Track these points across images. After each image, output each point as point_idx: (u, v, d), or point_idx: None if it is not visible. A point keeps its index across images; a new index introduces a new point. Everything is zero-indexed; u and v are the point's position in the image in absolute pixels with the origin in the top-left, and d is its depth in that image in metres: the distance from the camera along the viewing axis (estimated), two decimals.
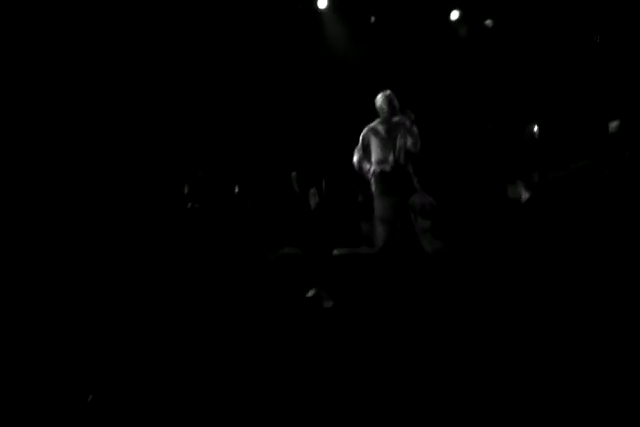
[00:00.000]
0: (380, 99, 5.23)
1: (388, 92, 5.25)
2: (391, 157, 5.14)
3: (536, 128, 6.07)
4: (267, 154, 7.98)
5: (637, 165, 5.13)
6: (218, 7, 7.76)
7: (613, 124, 6.19)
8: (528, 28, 7.98)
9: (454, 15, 8.29)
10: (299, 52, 8.23)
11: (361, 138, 5.26)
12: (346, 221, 7.27)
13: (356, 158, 5.29)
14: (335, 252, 4.46)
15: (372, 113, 6.85)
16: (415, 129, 5.14)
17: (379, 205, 5.16)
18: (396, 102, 5.20)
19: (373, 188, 5.24)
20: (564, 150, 6.19)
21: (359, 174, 5.41)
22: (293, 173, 7.80)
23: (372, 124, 5.29)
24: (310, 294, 2.96)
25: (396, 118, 5.21)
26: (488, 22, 8.32)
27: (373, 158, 5.21)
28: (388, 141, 5.17)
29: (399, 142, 5.13)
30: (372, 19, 8.32)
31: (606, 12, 7.48)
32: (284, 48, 8.15)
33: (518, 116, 6.59)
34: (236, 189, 7.33)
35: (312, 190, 7.56)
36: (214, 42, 7.90)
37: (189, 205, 6.92)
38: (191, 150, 7.39)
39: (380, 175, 5.18)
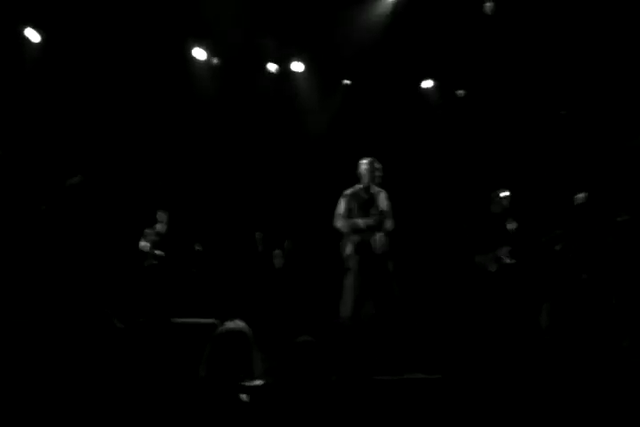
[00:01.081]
0: (364, 165, 5.13)
1: (372, 159, 5.17)
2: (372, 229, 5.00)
3: (506, 197, 6.02)
4: (232, 213, 7.83)
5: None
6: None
7: (580, 196, 6.20)
8: (498, 98, 8.16)
9: (426, 84, 8.47)
10: (268, 114, 8.26)
11: (344, 202, 5.08)
12: (311, 282, 7.08)
13: (340, 224, 5.05)
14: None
15: (338, 177, 6.82)
16: (389, 204, 5.09)
17: (351, 278, 4.96)
18: (378, 171, 5.14)
19: (350, 257, 5.02)
20: (534, 221, 6.17)
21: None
22: (258, 233, 7.63)
23: (352, 191, 5.14)
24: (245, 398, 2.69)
25: (375, 188, 5.15)
26: (460, 92, 8.49)
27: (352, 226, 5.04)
28: (368, 211, 5.06)
29: (379, 216, 5.05)
30: (346, 82, 8.43)
31: (572, 84, 7.72)
32: (256, 110, 8.18)
33: (487, 186, 6.59)
34: (197, 247, 7.08)
35: (276, 251, 7.40)
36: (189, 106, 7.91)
37: (146, 262, 6.62)
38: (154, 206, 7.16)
39: (360, 246, 5.01)
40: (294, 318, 5.71)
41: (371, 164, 5.11)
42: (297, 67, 8.21)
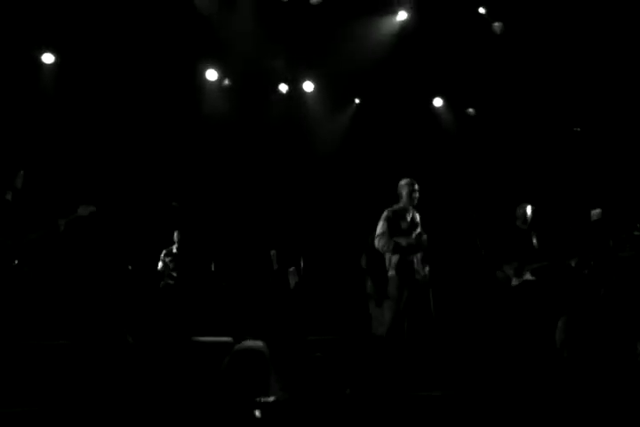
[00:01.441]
0: (406, 186, 5.14)
1: (412, 180, 5.19)
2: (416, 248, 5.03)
3: (530, 211, 5.99)
4: (246, 231, 7.85)
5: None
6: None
7: (595, 212, 6.18)
8: (510, 115, 8.19)
9: (437, 102, 8.53)
10: (279, 132, 8.34)
11: (387, 222, 5.02)
12: (326, 301, 7.07)
13: (383, 242, 4.97)
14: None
15: (350, 195, 6.85)
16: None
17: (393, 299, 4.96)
18: (416, 193, 5.16)
19: (394, 272, 5.00)
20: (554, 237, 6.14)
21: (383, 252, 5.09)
22: (273, 251, 7.65)
23: (394, 210, 5.12)
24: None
25: (412, 209, 5.17)
26: (470, 111, 8.54)
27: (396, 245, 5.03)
28: (411, 231, 5.07)
29: (420, 237, 5.06)
30: (356, 101, 8.51)
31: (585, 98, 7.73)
32: (268, 129, 8.27)
33: (506, 201, 6.59)
34: (213, 267, 7.11)
35: (291, 269, 7.40)
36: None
37: (162, 282, 6.67)
38: (168, 225, 7.22)
39: (406, 264, 5.00)
40: (309, 334, 5.69)
41: (412, 184, 5.13)
42: (307, 87, 8.29)
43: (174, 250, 7.09)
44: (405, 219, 5.06)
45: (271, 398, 2.66)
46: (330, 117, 8.57)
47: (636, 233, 5.43)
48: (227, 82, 8.07)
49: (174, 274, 6.79)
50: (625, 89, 7.29)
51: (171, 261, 6.99)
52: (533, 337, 4.77)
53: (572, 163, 7.78)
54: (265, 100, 8.32)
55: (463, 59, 7.82)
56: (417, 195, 5.13)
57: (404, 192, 5.12)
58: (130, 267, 6.00)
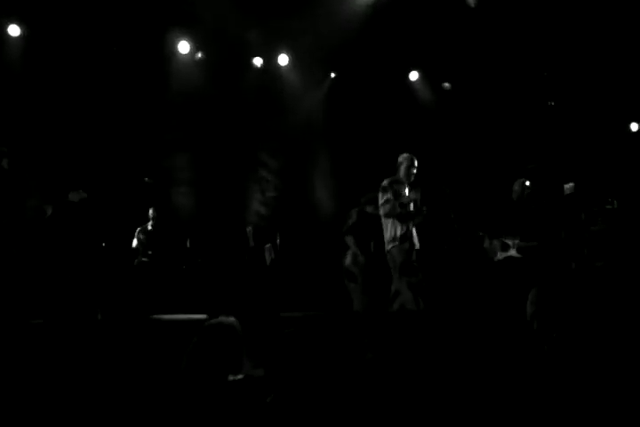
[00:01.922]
0: (408, 160, 5.22)
1: (411, 156, 5.26)
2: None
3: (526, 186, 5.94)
4: (222, 207, 7.78)
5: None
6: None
7: (569, 186, 6.23)
8: (486, 89, 8.15)
9: (413, 76, 8.44)
10: (254, 106, 8.21)
11: (390, 188, 5.10)
12: (302, 277, 7.07)
13: (389, 207, 5.05)
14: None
15: (327, 169, 6.76)
16: None
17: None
18: (414, 169, 5.23)
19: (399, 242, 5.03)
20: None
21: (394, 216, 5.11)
22: (249, 228, 7.61)
23: (394, 179, 5.20)
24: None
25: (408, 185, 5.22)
26: (446, 85, 8.48)
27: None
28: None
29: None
30: (332, 75, 8.39)
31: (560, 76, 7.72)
32: (242, 101, 8.13)
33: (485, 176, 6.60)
34: (188, 244, 7.05)
35: (267, 245, 7.38)
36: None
37: (137, 259, 6.59)
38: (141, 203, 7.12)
39: (408, 235, 5.08)
40: (284, 311, 5.70)
41: (411, 160, 5.18)
42: (282, 60, 8.13)
43: (149, 227, 7.00)
44: (404, 190, 5.15)
45: (240, 376, 2.64)
46: (306, 92, 8.44)
47: (607, 207, 5.49)
48: (200, 55, 7.88)
49: (149, 251, 6.71)
50: (596, 61, 7.29)
51: (146, 238, 6.92)
52: (507, 311, 4.83)
53: (546, 136, 7.81)
54: (239, 73, 8.14)
55: (439, 31, 7.73)
56: (414, 171, 5.18)
57: (403, 166, 5.18)
58: (103, 244, 5.92)
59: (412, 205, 5.16)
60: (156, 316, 4.55)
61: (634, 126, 7.72)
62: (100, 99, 7.44)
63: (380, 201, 5.09)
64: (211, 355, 2.71)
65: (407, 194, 5.15)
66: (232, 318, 2.97)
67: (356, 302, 5.74)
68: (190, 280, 6.57)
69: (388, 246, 5.06)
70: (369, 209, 5.71)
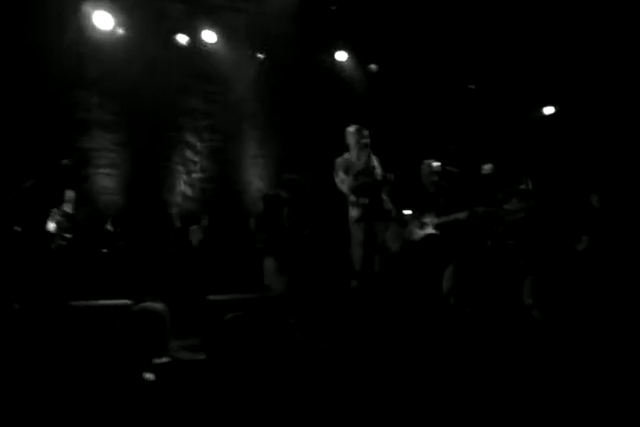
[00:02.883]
0: (357, 133, 5.16)
1: (358, 126, 5.20)
2: None
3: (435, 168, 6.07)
4: (146, 188, 7.59)
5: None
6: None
7: (487, 167, 6.46)
8: (411, 71, 8.29)
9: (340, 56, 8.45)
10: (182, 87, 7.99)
11: (341, 167, 5.09)
12: (231, 259, 7.03)
13: (347, 184, 5.03)
14: None
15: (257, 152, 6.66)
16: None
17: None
18: (365, 138, 5.17)
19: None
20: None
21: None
22: (174, 209, 7.48)
23: (345, 157, 5.17)
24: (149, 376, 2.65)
25: (364, 155, 5.17)
26: (372, 67, 8.56)
27: None
28: (370, 172, 5.16)
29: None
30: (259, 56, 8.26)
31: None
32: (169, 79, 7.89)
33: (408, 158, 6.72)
34: (109, 226, 6.83)
35: (194, 227, 7.27)
36: None
37: (54, 243, 6.33)
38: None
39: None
40: (214, 294, 5.66)
41: (359, 131, 5.10)
42: (209, 37, 7.88)
43: (67, 210, 6.72)
44: (358, 163, 5.09)
45: (164, 359, 2.63)
46: (234, 71, 8.28)
47: (522, 187, 5.76)
48: (121, 31, 7.53)
49: (67, 235, 6.45)
50: (515, 46, 7.56)
51: (64, 221, 6.63)
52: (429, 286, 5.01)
53: (467, 118, 8.06)
54: (163, 50, 7.85)
55: (367, 13, 7.78)
56: (366, 140, 5.11)
57: (352, 141, 5.11)
58: (17, 228, 5.64)
59: (376, 173, 5.12)
60: (76, 302, 4.41)
61: (548, 110, 8.10)
62: (13, 76, 7.01)
63: (337, 180, 5.08)
64: (135, 339, 2.68)
65: (364, 163, 5.10)
66: (157, 303, 2.95)
67: (273, 283, 5.79)
68: (113, 264, 6.39)
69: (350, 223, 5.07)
70: (283, 194, 5.70)
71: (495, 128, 7.81)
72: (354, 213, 5.09)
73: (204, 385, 2.52)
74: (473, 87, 8.12)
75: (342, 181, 5.05)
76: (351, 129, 5.18)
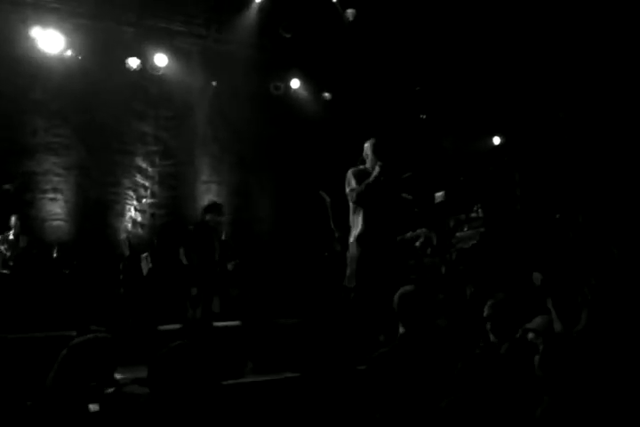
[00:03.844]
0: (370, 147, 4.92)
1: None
2: None
3: None
4: (93, 213, 7.37)
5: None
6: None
7: (439, 194, 6.60)
8: (364, 100, 8.43)
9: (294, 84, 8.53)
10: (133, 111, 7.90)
11: (355, 177, 4.77)
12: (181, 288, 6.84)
13: (358, 191, 4.71)
14: None
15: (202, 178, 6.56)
16: None
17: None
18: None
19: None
20: None
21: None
22: (125, 236, 7.27)
23: (361, 168, 4.88)
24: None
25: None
26: (326, 95, 8.67)
27: None
28: None
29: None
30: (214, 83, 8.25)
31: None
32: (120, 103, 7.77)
33: None
34: (55, 253, 6.58)
35: (144, 255, 7.07)
36: None
37: None
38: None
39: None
40: (164, 323, 5.49)
41: (373, 145, 4.87)
42: (161, 61, 7.80)
43: (11, 236, 6.46)
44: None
45: (111, 390, 2.52)
46: (186, 96, 8.23)
47: (472, 215, 5.89)
48: (70, 53, 7.37)
49: (11, 263, 6.18)
50: (465, 78, 7.81)
51: (7, 248, 6.37)
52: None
53: (420, 148, 8.22)
54: (113, 74, 7.72)
55: (320, 42, 7.92)
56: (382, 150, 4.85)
57: (370, 154, 4.86)
58: None
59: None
60: (17, 335, 4.19)
61: (496, 140, 8.35)
62: None
63: (347, 189, 4.79)
64: (80, 369, 2.56)
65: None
66: (103, 333, 2.83)
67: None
68: (57, 293, 6.12)
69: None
70: (207, 217, 5.62)
71: (447, 157, 7.99)
72: (355, 231, 4.79)
73: (147, 417, 2.43)
74: (424, 117, 8.32)
75: (353, 190, 4.76)
76: (369, 143, 4.95)
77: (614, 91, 6.38)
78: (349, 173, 4.87)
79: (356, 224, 4.76)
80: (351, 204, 4.81)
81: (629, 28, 6.09)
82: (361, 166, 4.94)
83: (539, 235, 5.47)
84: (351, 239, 4.80)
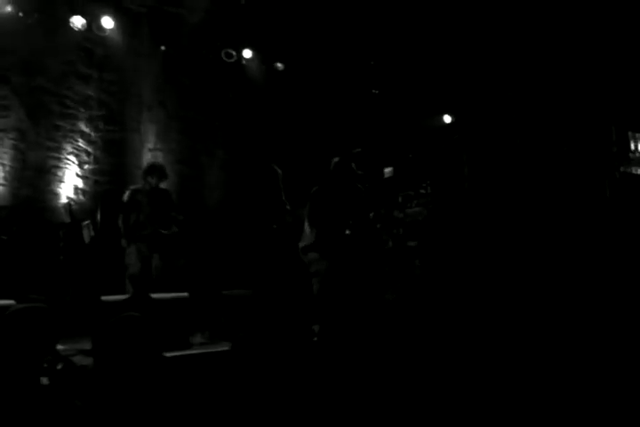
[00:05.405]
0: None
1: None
2: None
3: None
4: (32, 179, 7.07)
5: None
6: None
7: (388, 170, 6.67)
8: (317, 72, 8.34)
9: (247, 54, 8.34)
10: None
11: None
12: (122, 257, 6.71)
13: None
14: None
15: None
16: None
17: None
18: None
19: None
20: None
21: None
22: (65, 202, 7.03)
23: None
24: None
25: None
26: (279, 65, 8.52)
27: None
28: None
29: None
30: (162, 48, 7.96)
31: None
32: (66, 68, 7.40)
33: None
34: None
35: (86, 222, 6.86)
36: None
37: None
38: None
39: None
40: (105, 294, 5.37)
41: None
42: (107, 23, 7.45)
43: None
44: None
45: (59, 366, 2.47)
46: (135, 61, 7.91)
47: (422, 191, 5.98)
48: (10, 8, 6.93)
49: None
50: (419, 54, 7.83)
51: None
52: None
53: (370, 122, 8.24)
54: (57, 32, 7.33)
55: (274, 11, 7.75)
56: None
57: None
58: None
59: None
60: None
61: (447, 118, 8.46)
62: None
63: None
64: (17, 341, 2.48)
65: None
66: (41, 303, 2.75)
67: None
68: None
69: None
70: (149, 179, 5.76)
71: (397, 133, 8.04)
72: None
73: (93, 389, 2.40)
74: (376, 92, 8.32)
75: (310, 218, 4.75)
76: (336, 160, 5.02)
77: (563, 74, 6.54)
78: (311, 195, 4.80)
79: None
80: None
81: None
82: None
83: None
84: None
